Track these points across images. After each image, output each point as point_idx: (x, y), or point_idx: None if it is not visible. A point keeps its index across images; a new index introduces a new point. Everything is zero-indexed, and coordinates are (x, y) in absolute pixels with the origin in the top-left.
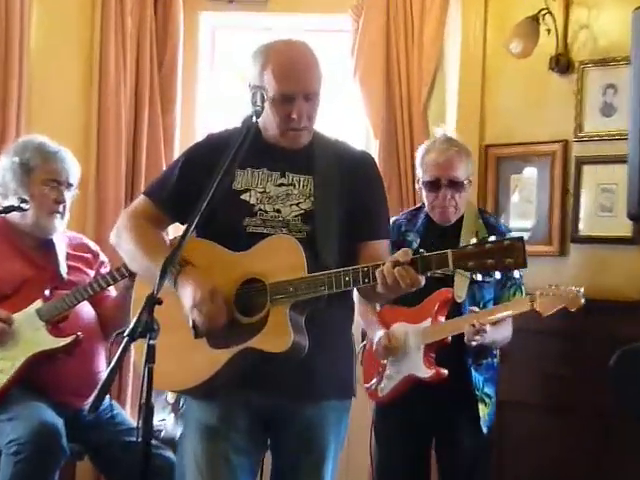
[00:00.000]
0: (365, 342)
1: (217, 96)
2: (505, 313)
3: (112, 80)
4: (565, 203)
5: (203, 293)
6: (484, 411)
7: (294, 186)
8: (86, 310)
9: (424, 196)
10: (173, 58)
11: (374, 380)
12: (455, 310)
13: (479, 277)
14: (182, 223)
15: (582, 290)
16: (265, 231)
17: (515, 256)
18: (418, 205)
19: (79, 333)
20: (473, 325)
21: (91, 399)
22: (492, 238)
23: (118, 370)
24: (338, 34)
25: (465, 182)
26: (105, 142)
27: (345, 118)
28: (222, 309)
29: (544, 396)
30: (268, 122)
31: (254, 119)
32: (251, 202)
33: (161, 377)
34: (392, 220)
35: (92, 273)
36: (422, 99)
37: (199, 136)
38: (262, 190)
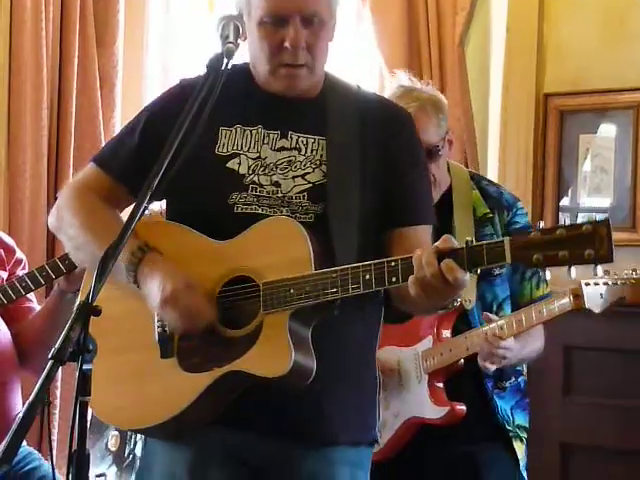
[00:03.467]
0: None
1: (179, 27)
2: (537, 319)
3: (28, 7)
4: None
5: (176, 284)
6: (521, 450)
7: (299, 151)
8: None
9: None
10: None
11: None
12: (462, 321)
13: (547, 275)
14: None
15: None
16: (260, 211)
17: (597, 246)
18: None
19: None
20: (488, 339)
21: (1, 447)
22: (566, 222)
23: (40, 406)
24: None
25: (440, 146)
26: (18, 92)
27: (351, 58)
28: (203, 304)
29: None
30: (257, 59)
31: (225, 61)
32: (240, 172)
33: (113, 412)
34: None
35: (4, 275)
36: (457, 31)
37: (151, 84)
38: (256, 155)
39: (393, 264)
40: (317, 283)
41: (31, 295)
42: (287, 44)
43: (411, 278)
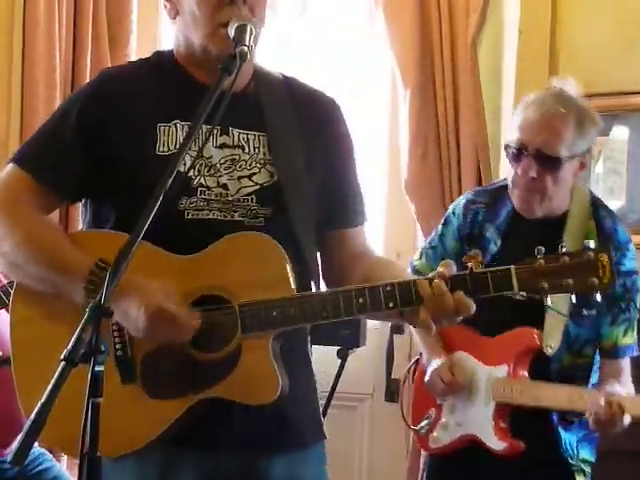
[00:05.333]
0: (417, 358)
1: None
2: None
3: (41, 9)
4: None
5: (156, 297)
6: None
7: (242, 149)
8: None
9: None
10: None
11: (424, 422)
12: (541, 363)
13: (549, 301)
14: (73, 202)
15: None
16: (212, 216)
17: (600, 274)
18: (502, 181)
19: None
20: (612, 408)
21: (14, 446)
22: (564, 249)
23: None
24: None
25: (565, 159)
26: (32, 92)
27: (363, 59)
28: (185, 313)
29: None
30: (192, 26)
31: (238, 62)
32: (186, 174)
33: (66, 441)
34: (462, 201)
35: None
36: (470, 32)
37: None
38: (198, 155)
39: (389, 289)
40: (304, 306)
41: None
42: None
43: (421, 307)
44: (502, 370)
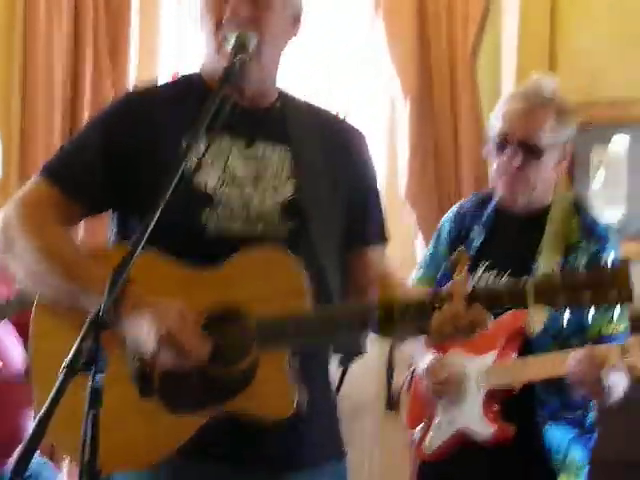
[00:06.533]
0: (413, 369)
1: (189, 41)
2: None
3: (41, 20)
4: None
5: (170, 319)
6: None
7: (267, 161)
8: (9, 343)
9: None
10: None
11: (419, 428)
12: (523, 345)
13: (567, 314)
14: (96, 213)
15: None
16: (234, 228)
17: (619, 287)
18: (491, 188)
19: None
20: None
21: (14, 458)
22: (583, 262)
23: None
24: None
25: (546, 149)
26: (32, 106)
27: (362, 71)
28: (199, 340)
29: None
30: (204, 44)
31: (238, 72)
32: (209, 185)
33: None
34: (455, 207)
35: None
36: (468, 41)
37: None
38: (223, 166)
39: (404, 305)
40: (320, 320)
41: None
42: (227, 13)
43: (437, 323)
44: (490, 357)
